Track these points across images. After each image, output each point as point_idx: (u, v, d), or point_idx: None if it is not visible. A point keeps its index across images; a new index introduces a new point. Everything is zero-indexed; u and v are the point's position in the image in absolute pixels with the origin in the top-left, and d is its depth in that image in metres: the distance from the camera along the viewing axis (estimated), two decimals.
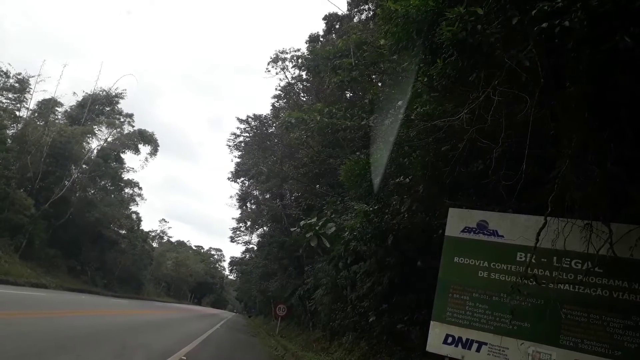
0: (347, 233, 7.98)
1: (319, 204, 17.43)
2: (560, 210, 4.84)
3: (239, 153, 27.98)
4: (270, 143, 23.43)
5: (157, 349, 9.58)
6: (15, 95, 31.02)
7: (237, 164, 32.58)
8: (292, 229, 8.82)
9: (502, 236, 5.62)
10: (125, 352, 8.20)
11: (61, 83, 63.70)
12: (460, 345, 5.44)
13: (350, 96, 13.42)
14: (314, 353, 16.21)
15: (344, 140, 10.91)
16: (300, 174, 19.10)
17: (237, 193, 33.52)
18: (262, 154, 23.54)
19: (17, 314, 10.59)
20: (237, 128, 26.27)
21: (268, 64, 19.15)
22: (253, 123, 24.71)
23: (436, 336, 5.65)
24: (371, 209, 7.72)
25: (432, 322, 5.76)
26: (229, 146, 27.69)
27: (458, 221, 5.98)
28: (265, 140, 23.76)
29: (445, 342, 5.54)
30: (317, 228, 8.05)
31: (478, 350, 5.31)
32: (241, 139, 26.52)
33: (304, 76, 19.04)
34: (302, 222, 8.61)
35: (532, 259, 4.91)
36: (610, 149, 4.36)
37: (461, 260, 5.79)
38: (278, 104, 22.14)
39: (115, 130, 36.83)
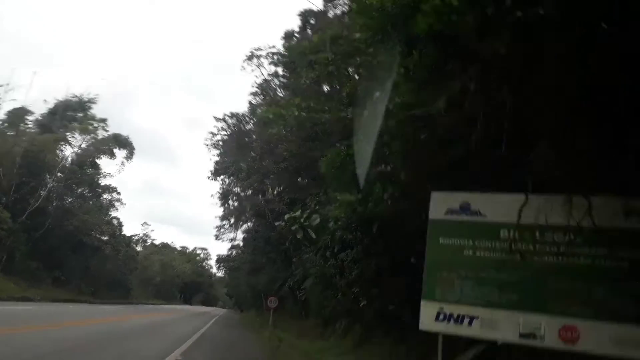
0: (332, 223, 8.19)
1: (302, 197, 17.58)
2: (540, 187, 5.10)
3: (218, 152, 27.96)
4: (249, 140, 23.44)
5: (151, 353, 9.65)
6: None
7: (216, 162, 32.46)
8: (277, 223, 9.00)
9: (485, 215, 5.89)
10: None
11: (32, 91, 61.82)
12: (452, 321, 5.71)
13: (327, 90, 13.55)
14: (309, 341, 16.50)
15: (324, 134, 11.07)
16: (281, 169, 19.21)
17: (218, 191, 33.41)
18: (241, 151, 23.53)
19: (4, 330, 10.50)
20: (215, 127, 26.25)
21: (243, 61, 19.16)
22: (230, 121, 24.70)
23: (428, 314, 5.91)
24: (354, 198, 7.92)
25: (422, 302, 6.01)
26: (207, 145, 27.63)
27: (441, 204, 6.22)
28: (243, 138, 23.74)
29: (437, 319, 5.81)
30: (302, 220, 8.22)
31: (470, 324, 5.58)
32: (219, 137, 26.53)
33: (281, 72, 19.12)
34: (286, 216, 8.78)
35: (515, 235, 5.18)
36: (586, 128, 4.60)
37: (447, 241, 6.04)
38: (255, 100, 22.20)
39: (89, 136, 36.21)
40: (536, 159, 4.88)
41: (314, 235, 8.02)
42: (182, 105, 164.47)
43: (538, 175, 4.88)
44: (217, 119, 25.05)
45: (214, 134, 26.90)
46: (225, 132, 25.42)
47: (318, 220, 8.08)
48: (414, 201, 7.92)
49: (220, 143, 26.57)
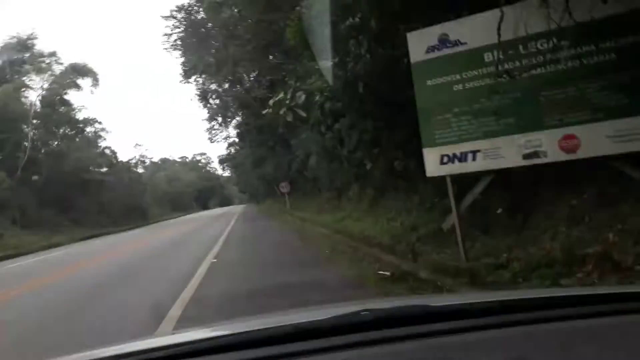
0: (318, 96, 7.76)
1: (280, 76, 16.84)
2: None
3: (179, 53, 26.30)
4: (206, 30, 21.78)
5: (187, 261, 10.08)
6: None
7: (182, 64, 30.90)
8: (263, 112, 8.58)
9: (465, 43, 5.45)
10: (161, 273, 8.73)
11: None
12: (456, 160, 5.60)
13: None
14: (328, 213, 17.13)
15: (279, 1, 10.08)
16: (249, 52, 18.12)
17: (195, 94, 32.33)
18: (201, 44, 22.07)
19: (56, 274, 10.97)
20: (166, 27, 24.26)
21: None
22: (179, 16, 22.70)
23: (432, 161, 5.80)
24: (332, 62, 7.40)
25: (424, 150, 5.87)
26: (166, 49, 25.90)
27: (419, 43, 5.75)
28: (199, 29, 22.04)
29: (442, 163, 5.70)
30: (287, 102, 7.82)
31: (474, 159, 5.48)
32: (175, 37, 24.67)
33: None
34: (271, 101, 8.35)
35: (499, 55, 4.83)
36: None
37: (433, 81, 5.68)
38: None
39: (46, 75, 34.28)
40: None
41: (303, 114, 7.70)
42: (131, 15, 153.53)
43: None
44: (166, 17, 23.09)
45: (168, 35, 25.09)
46: (179, 30, 23.59)
47: (303, 97, 7.68)
48: (392, 49, 7.42)
49: (179, 42, 24.85)
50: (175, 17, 22.86)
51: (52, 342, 4.89)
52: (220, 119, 36.94)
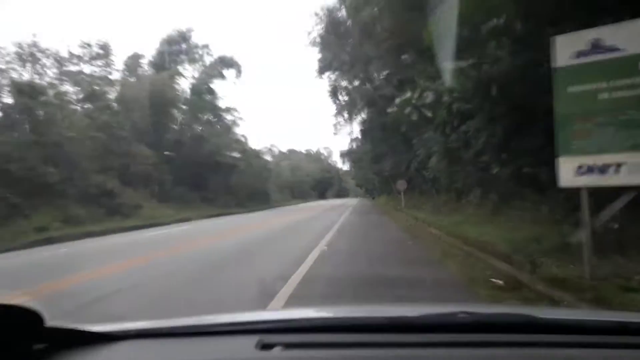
0: (446, 97, 7.74)
1: (410, 76, 16.82)
2: None
3: (318, 49, 27.51)
4: (344, 28, 22.46)
5: (301, 245, 10.74)
6: (102, 61, 33.08)
7: (319, 60, 32.21)
8: (389, 110, 8.74)
9: (621, 49, 5.09)
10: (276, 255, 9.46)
11: (139, 34, 66.18)
12: (596, 172, 5.29)
13: None
14: (444, 215, 16.80)
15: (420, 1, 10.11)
16: (383, 51, 18.31)
17: (327, 89, 33.56)
18: (339, 42, 22.78)
19: (185, 245, 12.44)
20: (309, 24, 25.56)
21: None
22: (322, 13, 23.80)
23: (567, 170, 5.52)
24: (466, 64, 7.31)
25: (559, 159, 5.60)
26: (306, 46, 27.31)
27: (566, 48, 5.48)
28: (338, 27, 22.81)
29: (578, 173, 5.41)
30: (414, 101, 7.91)
31: (617, 172, 5.12)
32: (315, 34, 25.92)
33: None
34: (397, 100, 8.49)
35: None
36: None
37: (577, 88, 5.40)
38: None
39: (198, 65, 38.06)
40: None
41: (429, 114, 7.72)
42: (275, 12, 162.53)
43: None
44: (310, 16, 24.30)
45: (309, 32, 26.37)
46: (320, 27, 24.75)
47: (431, 97, 7.70)
48: (534, 52, 7.13)
49: (318, 40, 26.02)
50: (317, 15, 24.07)
51: (173, 305, 5.55)
52: (346, 115, 37.84)
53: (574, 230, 6.41)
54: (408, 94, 7.94)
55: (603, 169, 5.26)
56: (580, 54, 5.39)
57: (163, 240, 14.35)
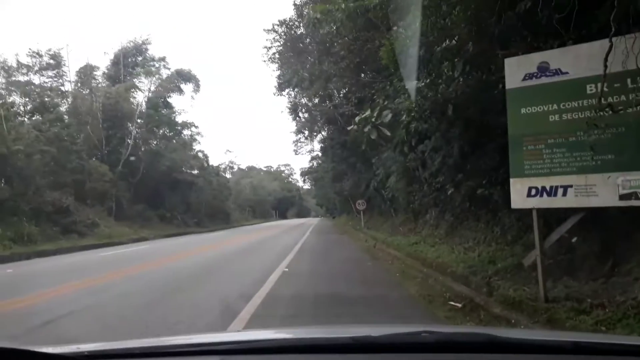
0: (404, 116, 7.75)
1: (369, 94, 17.00)
2: (625, 27, 4.36)
3: (276, 65, 27.49)
4: (303, 45, 22.56)
5: (263, 267, 10.43)
6: (53, 72, 31.90)
7: (278, 77, 32.21)
8: (348, 128, 8.69)
9: (567, 73, 5.18)
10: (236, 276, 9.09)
11: (90, 47, 64.52)
12: (544, 194, 5.32)
13: None
14: (402, 236, 16.84)
15: (377, 19, 10.21)
16: (342, 69, 18.47)
17: (286, 106, 33.61)
18: (298, 59, 22.84)
19: (142, 266, 11.85)
20: (267, 40, 25.49)
21: None
22: (280, 30, 23.74)
23: (518, 192, 5.54)
24: (423, 83, 7.35)
25: (511, 180, 5.62)
26: (264, 61, 27.14)
27: (516, 70, 5.56)
28: (297, 44, 22.87)
29: (529, 195, 5.43)
30: (373, 120, 7.88)
31: (564, 194, 5.16)
32: (273, 50, 25.81)
33: None
34: (357, 118, 8.46)
35: (604, 88, 4.54)
36: None
37: (528, 109, 5.46)
38: (299, 0, 21.00)
39: (154, 78, 37.30)
40: None
41: (388, 133, 7.70)
42: (232, 27, 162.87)
43: (620, 13, 4.11)
44: (267, 31, 24.19)
45: (268, 48, 26.25)
46: (278, 44, 24.67)
47: (390, 116, 7.70)
48: (487, 74, 7.26)
49: (277, 56, 25.96)
50: (276, 31, 23.97)
51: (129, 328, 5.30)
52: (306, 133, 37.96)
53: (526, 251, 6.45)
54: (367, 112, 7.92)
55: (552, 191, 5.29)
56: (529, 76, 5.46)
57: (118, 260, 13.84)
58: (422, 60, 7.26)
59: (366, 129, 7.79)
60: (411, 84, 7.71)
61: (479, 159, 8.34)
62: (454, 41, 6.95)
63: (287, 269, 9.85)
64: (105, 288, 8.34)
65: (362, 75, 16.43)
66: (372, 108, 8.15)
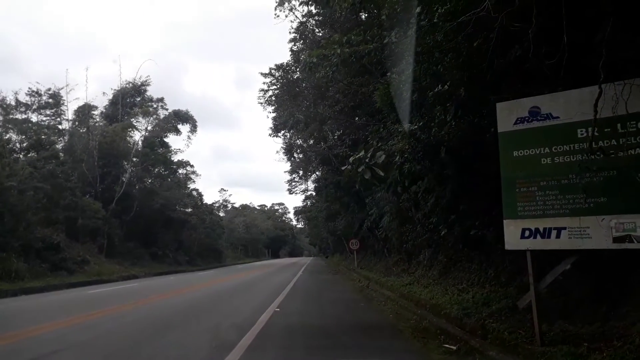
0: (397, 157, 7.87)
1: (363, 136, 17.25)
2: (613, 75, 4.53)
3: (272, 108, 27.89)
4: (299, 89, 23.02)
5: (253, 305, 10.25)
6: (52, 110, 32.11)
7: (274, 119, 32.62)
8: (342, 168, 8.79)
9: (558, 117, 5.33)
10: (226, 318, 8.87)
11: (90, 86, 65.34)
12: (538, 236, 5.36)
13: (365, 17, 12.66)
14: (395, 276, 16.71)
15: (371, 65, 10.52)
16: (336, 112, 18.83)
17: (281, 147, 33.92)
18: (294, 102, 23.26)
19: (132, 304, 11.61)
20: (264, 83, 25.86)
21: (275, 8, 18.46)
22: (277, 74, 24.17)
23: (512, 233, 5.58)
24: (416, 126, 7.51)
25: (505, 221, 5.67)
26: (261, 103, 27.52)
27: (508, 114, 5.72)
28: (293, 87, 23.33)
29: (523, 236, 5.47)
30: (367, 160, 7.96)
31: (558, 236, 5.20)
32: (270, 93, 26.19)
33: (314, 10, 18.24)
34: (351, 158, 8.54)
35: (594, 132, 4.66)
36: None
37: (520, 152, 5.58)
38: (296, 47, 21.52)
39: (151, 118, 37.62)
40: (603, 42, 4.28)
41: (381, 173, 7.76)
42: (230, 67, 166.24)
43: (609, 61, 4.29)
44: (264, 75, 24.57)
45: (265, 91, 26.52)
46: (275, 87, 25.05)
47: (383, 157, 7.78)
48: (479, 118, 7.44)
49: (273, 98, 26.38)
50: (273, 75, 24.39)
51: None
52: (301, 172, 38.13)
53: (521, 293, 6.42)
54: (361, 153, 8.00)
55: (545, 233, 5.34)
56: (521, 120, 5.61)
57: (105, 298, 13.56)
58: (415, 104, 7.45)
59: (360, 169, 7.85)
60: (404, 127, 7.87)
61: (472, 201, 8.41)
62: (446, 86, 7.14)
63: (278, 309, 9.68)
64: (90, 326, 8.15)
65: (357, 118, 16.75)
66: (366, 149, 8.24)
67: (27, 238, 21.30)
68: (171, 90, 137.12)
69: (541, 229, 5.37)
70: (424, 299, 10.49)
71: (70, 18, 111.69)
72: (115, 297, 14.02)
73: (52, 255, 22.33)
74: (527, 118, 5.57)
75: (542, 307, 5.51)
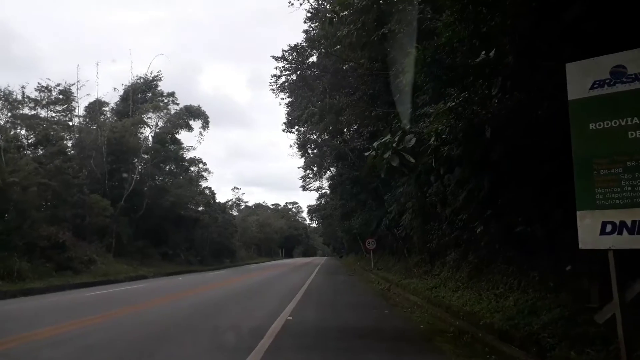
0: (433, 140, 6.61)
1: (382, 127, 16.05)
2: None
3: (287, 99, 26.59)
4: (315, 75, 21.73)
5: (261, 315, 9.13)
6: (63, 107, 31.46)
7: (287, 113, 31.57)
8: (365, 154, 7.58)
9: None
10: (229, 330, 7.69)
11: (103, 82, 65.51)
12: (624, 231, 4.15)
13: None
14: (417, 278, 15.49)
15: (394, 39, 9.30)
16: (354, 101, 17.62)
17: (295, 142, 32.96)
18: (309, 87, 22.01)
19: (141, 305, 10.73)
20: (276, 67, 24.39)
21: None
22: (291, 57, 22.80)
23: (588, 229, 4.36)
24: (454, 102, 6.27)
25: (578, 213, 4.44)
26: (273, 90, 26.10)
27: (582, 77, 4.49)
28: (308, 73, 22.06)
29: (603, 232, 4.26)
30: (394, 145, 6.81)
31: None
32: (283, 79, 24.85)
33: None
34: (375, 143, 7.39)
35: None
36: None
37: (599, 125, 4.35)
38: (311, 27, 20.27)
39: (162, 113, 36.75)
40: None
41: (412, 160, 6.59)
42: (244, 66, 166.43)
43: None
44: (277, 58, 23.16)
45: (277, 77, 25.08)
46: (288, 72, 23.67)
47: (414, 140, 6.62)
48: (529, 91, 6.22)
49: (286, 85, 25.03)
50: (286, 59, 22.87)
51: None
52: (315, 169, 37.11)
53: (576, 301, 5.23)
54: (387, 137, 6.84)
55: (635, 228, 4.13)
56: (599, 83, 4.39)
57: (103, 302, 12.63)
58: (455, 76, 6.23)
59: (386, 155, 6.69)
60: (439, 106, 6.63)
61: (519, 189, 7.17)
62: (491, 54, 5.92)
63: (290, 317, 8.45)
64: (73, 337, 7.10)
65: (376, 108, 15.50)
66: (393, 132, 7.07)
67: (32, 236, 20.61)
68: (185, 90, 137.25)
69: (628, 223, 4.16)
70: (455, 305, 9.29)
71: (87, 18, 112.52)
72: (114, 300, 13.05)
73: (57, 254, 21.61)
74: (608, 81, 4.35)
75: (628, 323, 4.29)
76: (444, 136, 6.53)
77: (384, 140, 6.96)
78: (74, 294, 15.85)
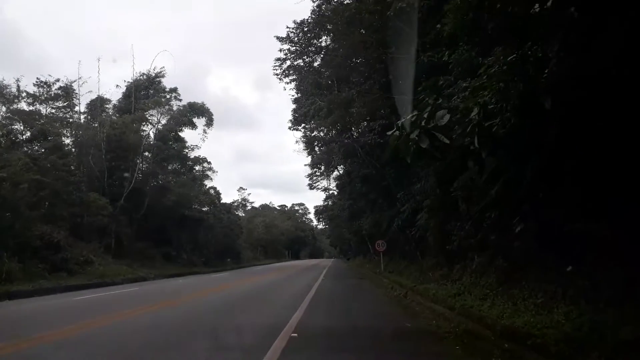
0: (474, 113, 5.21)
1: (396, 120, 14.76)
2: None
3: (291, 83, 24.67)
4: (322, 60, 20.25)
5: (260, 327, 7.83)
6: (64, 103, 30.48)
7: (294, 110, 30.37)
8: (388, 133, 6.22)
9: None
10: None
11: (108, 82, 65.06)
12: None
13: None
14: (434, 283, 14.11)
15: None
16: (365, 90, 16.27)
17: (301, 139, 31.73)
18: (316, 74, 20.59)
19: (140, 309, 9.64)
20: (280, 50, 22.34)
21: None
22: (296, 38, 21.19)
23: None
24: (509, 60, 4.88)
25: None
26: (277, 75, 24.37)
27: None
28: (315, 57, 20.60)
29: None
30: (423, 123, 5.50)
31: None
32: (288, 62, 22.90)
33: None
34: (399, 122, 6.09)
35: None
36: None
37: None
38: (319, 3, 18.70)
39: (164, 109, 35.66)
40: None
41: (446, 140, 5.28)
42: (250, 66, 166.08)
43: None
44: (281, 40, 21.27)
45: (281, 60, 23.36)
46: (293, 55, 22.03)
47: (447, 117, 5.31)
48: (594, 50, 4.88)
49: (291, 71, 23.47)
50: (291, 39, 21.10)
51: None
52: (322, 167, 35.88)
53: None
54: (414, 114, 5.52)
55: None
56: None
57: (85, 308, 11.49)
58: (504, 28, 4.91)
59: (413, 134, 5.39)
60: (488, 64, 5.28)
61: (577, 176, 5.80)
62: (548, 3, 4.57)
63: (295, 334, 6.91)
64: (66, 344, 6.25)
65: (391, 94, 14.09)
66: (420, 108, 5.76)
67: (25, 235, 19.60)
68: (192, 94, 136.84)
69: None
70: (489, 317, 7.90)
71: (94, 21, 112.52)
72: (95, 307, 11.88)
73: (51, 254, 20.74)
74: None
75: None
76: (491, 107, 5.14)
77: (411, 117, 5.64)
78: (60, 298, 14.77)
